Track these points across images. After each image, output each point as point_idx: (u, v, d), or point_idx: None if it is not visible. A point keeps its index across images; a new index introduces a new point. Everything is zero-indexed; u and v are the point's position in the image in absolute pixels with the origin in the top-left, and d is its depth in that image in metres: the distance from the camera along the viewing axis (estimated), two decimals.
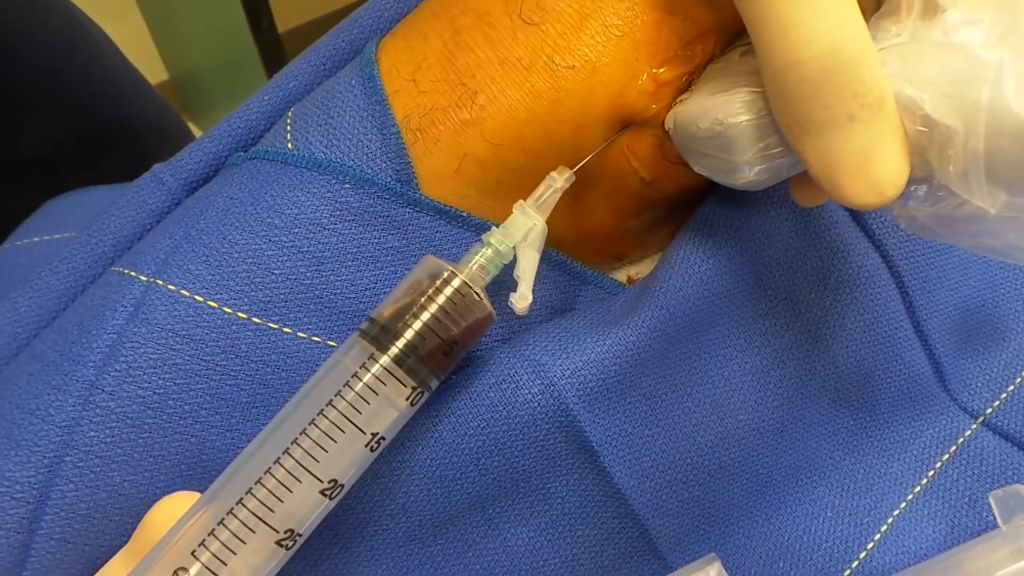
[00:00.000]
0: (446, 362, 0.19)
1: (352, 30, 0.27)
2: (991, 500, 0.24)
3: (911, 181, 0.18)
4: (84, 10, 0.54)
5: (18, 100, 0.49)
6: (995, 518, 0.24)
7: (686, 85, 0.22)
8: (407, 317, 0.19)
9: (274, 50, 1.26)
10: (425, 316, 0.19)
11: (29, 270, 0.35)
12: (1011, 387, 0.27)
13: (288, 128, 0.24)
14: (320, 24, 1.59)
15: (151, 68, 1.50)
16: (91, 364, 0.22)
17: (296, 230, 0.22)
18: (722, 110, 0.20)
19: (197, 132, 1.53)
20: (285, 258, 0.22)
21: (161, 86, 1.50)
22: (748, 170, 0.20)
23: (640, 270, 0.27)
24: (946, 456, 0.26)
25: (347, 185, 0.22)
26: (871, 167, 0.17)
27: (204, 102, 1.51)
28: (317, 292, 0.22)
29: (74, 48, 0.52)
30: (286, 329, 0.22)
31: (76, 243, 0.26)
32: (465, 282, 0.19)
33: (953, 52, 0.17)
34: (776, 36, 0.17)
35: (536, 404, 0.22)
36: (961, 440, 0.26)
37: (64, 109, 0.52)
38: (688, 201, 0.25)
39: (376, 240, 0.23)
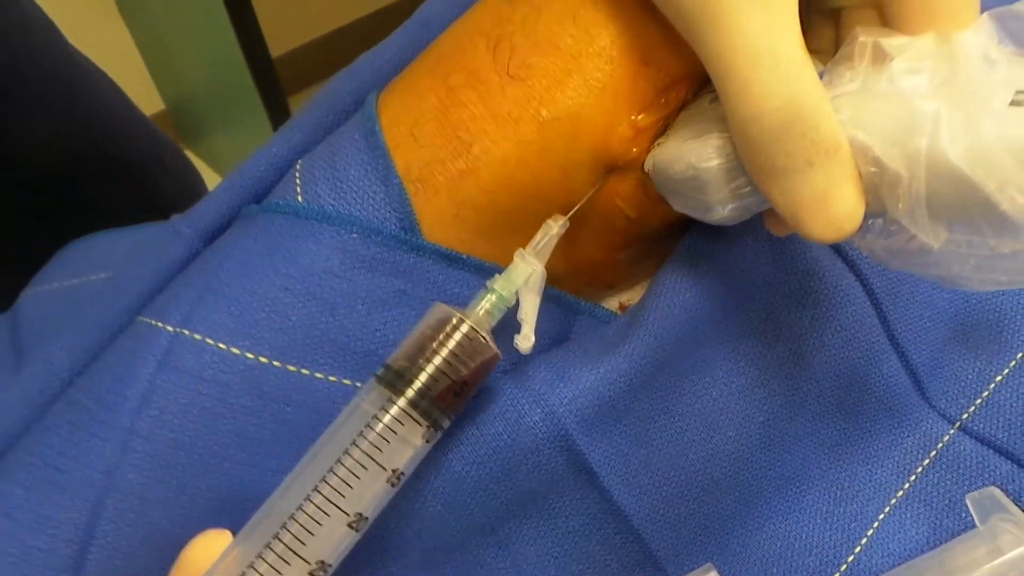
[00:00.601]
0: (457, 402, 0.21)
1: (352, 81, 0.29)
2: (968, 502, 0.26)
3: (868, 215, 0.20)
4: (79, 44, 0.55)
5: (21, 137, 0.51)
6: (973, 519, 0.26)
7: (662, 129, 0.24)
8: (420, 361, 0.21)
9: (268, 75, 1.28)
10: (437, 360, 0.21)
11: (52, 316, 0.37)
12: (985, 393, 0.29)
13: (297, 181, 0.26)
14: (313, 47, 1.61)
15: (147, 99, 1.52)
16: (126, 411, 0.24)
17: (310, 278, 0.24)
18: (695, 155, 0.22)
19: (196, 160, 1.54)
20: (301, 305, 0.24)
21: (158, 116, 1.52)
22: (722, 208, 0.22)
23: (631, 296, 0.29)
24: (927, 461, 0.28)
25: (355, 235, 0.24)
26: (829, 206, 0.19)
27: (202, 130, 1.53)
28: (332, 335, 0.24)
29: (73, 85, 0.54)
30: (304, 371, 0.24)
31: (103, 295, 0.28)
32: (472, 327, 0.21)
33: (896, 103, 0.19)
34: (738, 91, 0.19)
35: (538, 431, 0.23)
36: (940, 445, 0.28)
37: (66, 145, 0.53)
38: (672, 232, 0.27)
39: (384, 284, 0.24)
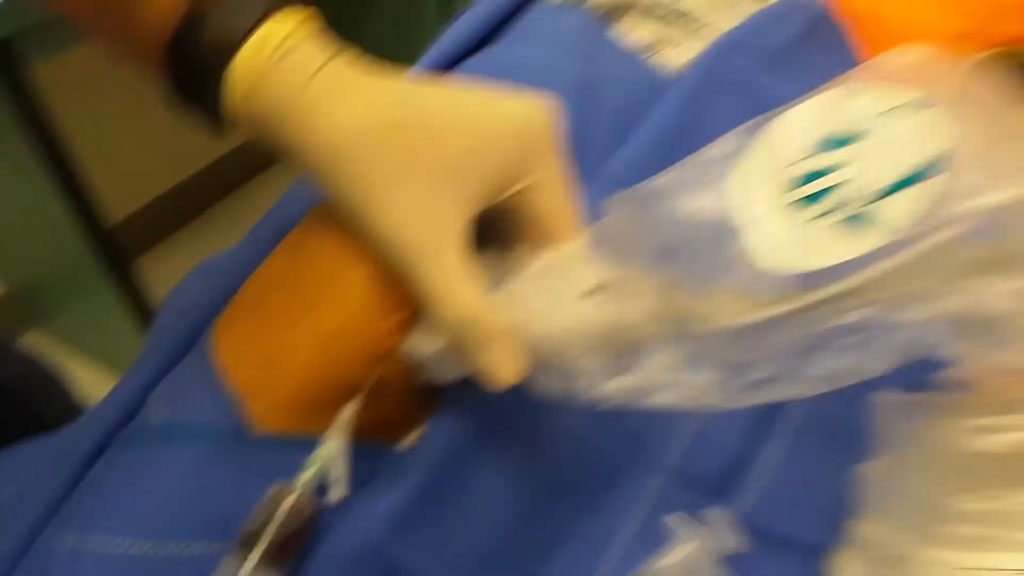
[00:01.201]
0: (298, 548, 0.31)
1: (191, 316, 0.39)
2: (666, 522, 0.38)
3: (539, 365, 0.32)
4: None
5: None
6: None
7: (411, 325, 0.36)
8: (266, 525, 0.30)
9: (108, 245, 1.28)
10: (277, 521, 0.31)
11: None
12: (687, 442, 0.42)
13: (154, 406, 0.36)
14: (150, 209, 1.64)
15: None
16: None
17: (177, 481, 0.33)
18: (425, 346, 0.34)
19: (46, 341, 1.51)
20: (171, 499, 0.33)
21: (0, 301, 1.50)
22: (447, 375, 0.34)
23: (420, 431, 0.40)
24: (648, 506, 0.40)
25: (206, 442, 0.34)
26: (503, 370, 0.32)
27: (48, 309, 1.50)
28: (200, 517, 0.33)
29: None
30: (183, 546, 0.33)
31: (10, 518, 0.36)
32: (300, 494, 0.31)
33: (524, 299, 0.32)
34: (434, 312, 0.31)
35: (360, 545, 0.34)
36: (656, 492, 0.41)
37: None
38: (439, 387, 0.38)
39: (233, 471, 0.34)
